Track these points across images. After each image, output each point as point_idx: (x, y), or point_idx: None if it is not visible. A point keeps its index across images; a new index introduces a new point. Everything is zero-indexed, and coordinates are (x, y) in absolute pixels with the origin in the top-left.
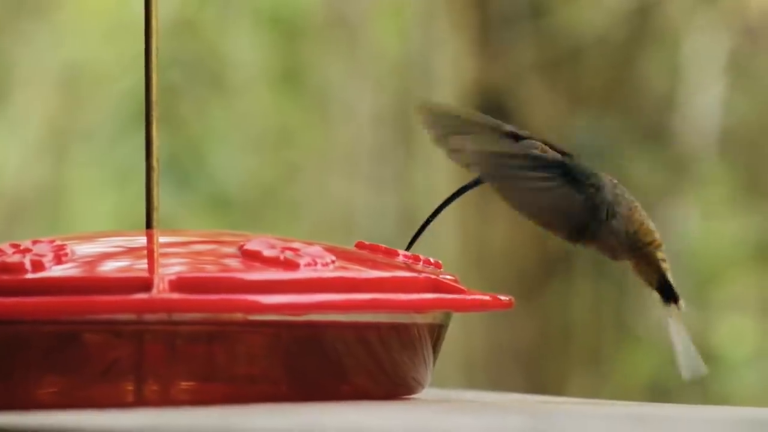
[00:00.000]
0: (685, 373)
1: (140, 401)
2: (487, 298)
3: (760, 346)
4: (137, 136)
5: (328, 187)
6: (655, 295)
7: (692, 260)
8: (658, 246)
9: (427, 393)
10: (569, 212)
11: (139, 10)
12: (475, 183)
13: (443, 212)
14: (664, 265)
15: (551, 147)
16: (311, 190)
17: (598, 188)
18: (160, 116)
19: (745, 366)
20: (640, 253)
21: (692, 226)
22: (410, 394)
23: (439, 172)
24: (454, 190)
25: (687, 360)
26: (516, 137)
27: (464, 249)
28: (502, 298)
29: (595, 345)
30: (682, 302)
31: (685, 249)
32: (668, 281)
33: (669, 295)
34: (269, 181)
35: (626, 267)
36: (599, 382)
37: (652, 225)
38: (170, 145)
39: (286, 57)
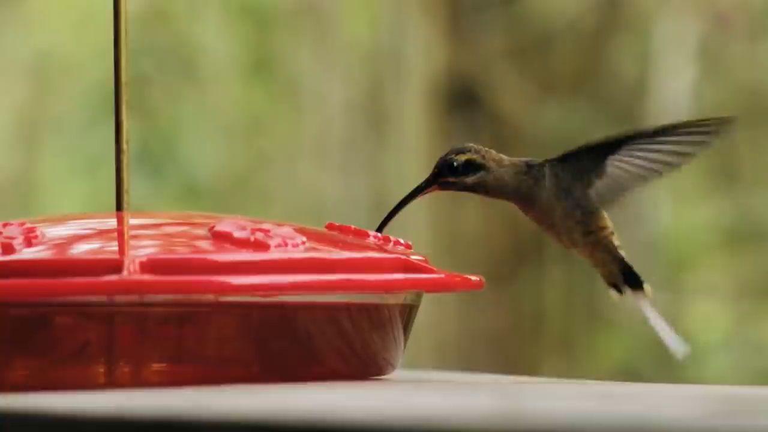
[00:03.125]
0: (678, 353)
1: (112, 382)
2: (456, 278)
3: (732, 331)
4: (107, 126)
5: (299, 176)
6: (615, 290)
7: (664, 246)
8: (611, 233)
9: (398, 374)
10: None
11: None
12: (428, 184)
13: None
14: (621, 252)
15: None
16: (282, 179)
17: (555, 174)
18: (131, 105)
19: (717, 351)
20: (595, 237)
21: (664, 211)
22: (381, 374)
23: (410, 160)
24: (424, 177)
25: (672, 341)
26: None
27: (436, 234)
28: (472, 278)
29: (567, 330)
30: (647, 286)
31: (656, 235)
32: (629, 266)
33: (633, 281)
34: (240, 169)
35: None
36: (571, 366)
37: (604, 212)
38: (141, 135)
39: (256, 46)
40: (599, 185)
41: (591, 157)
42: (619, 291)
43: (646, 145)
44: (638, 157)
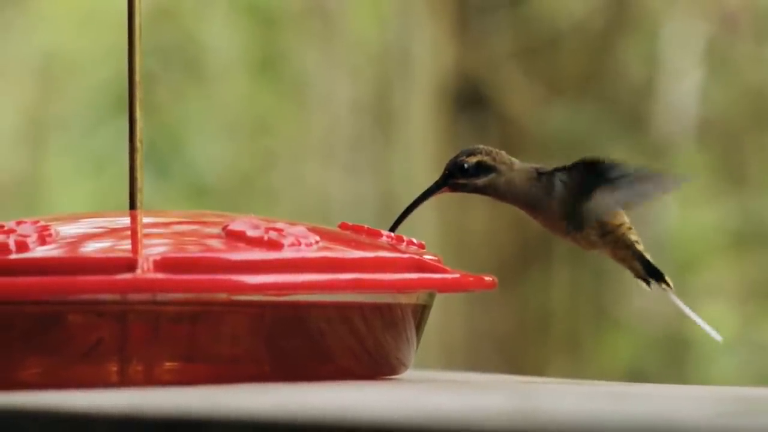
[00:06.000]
0: (716, 335)
1: (124, 381)
2: (470, 278)
3: (739, 333)
4: (114, 125)
5: (305, 175)
6: (644, 282)
7: (670, 247)
8: (629, 229)
9: (409, 374)
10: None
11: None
12: (438, 186)
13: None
14: (639, 247)
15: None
16: (288, 178)
17: (564, 175)
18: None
19: (724, 352)
20: (613, 236)
21: (670, 213)
22: (394, 374)
23: (417, 159)
24: (431, 178)
25: (707, 328)
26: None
27: (443, 236)
28: (486, 278)
29: (573, 331)
30: (668, 278)
31: (663, 236)
32: (649, 261)
33: (654, 273)
34: (246, 168)
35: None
36: (578, 367)
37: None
38: (147, 133)
39: (263, 45)
40: (600, 201)
41: (589, 175)
42: (648, 283)
43: (622, 182)
44: (618, 190)
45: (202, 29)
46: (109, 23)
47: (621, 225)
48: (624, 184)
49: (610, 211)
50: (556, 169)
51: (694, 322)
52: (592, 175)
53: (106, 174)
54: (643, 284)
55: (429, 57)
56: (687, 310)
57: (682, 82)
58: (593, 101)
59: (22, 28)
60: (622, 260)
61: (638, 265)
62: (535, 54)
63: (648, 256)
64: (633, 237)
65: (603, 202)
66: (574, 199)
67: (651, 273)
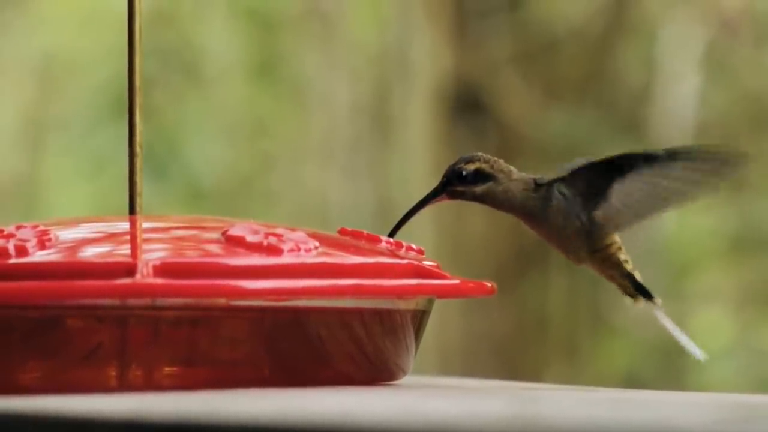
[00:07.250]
0: (699, 355)
1: (124, 386)
2: (469, 284)
3: (736, 338)
4: (113, 126)
5: (304, 178)
6: (636, 297)
7: (668, 252)
8: (619, 249)
9: (407, 379)
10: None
11: (115, 0)
12: (436, 193)
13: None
14: (628, 266)
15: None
16: (287, 181)
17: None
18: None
19: (721, 358)
20: (602, 255)
21: (668, 218)
22: (393, 379)
23: (415, 163)
24: (429, 181)
25: (691, 346)
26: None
27: (440, 241)
28: (486, 284)
29: (570, 337)
30: (657, 299)
31: (660, 241)
32: (637, 281)
33: (642, 293)
34: (245, 171)
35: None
36: (575, 373)
37: None
38: (146, 136)
39: (262, 48)
40: (607, 209)
41: (598, 179)
42: (634, 299)
43: (655, 170)
44: (648, 183)
45: (200, 32)
46: (109, 24)
47: (611, 244)
48: (655, 170)
49: (643, 214)
50: (555, 180)
51: (686, 331)
52: (601, 175)
53: (105, 175)
54: (631, 301)
55: (427, 61)
56: (672, 328)
57: (681, 87)
58: (591, 106)
59: (22, 28)
60: (609, 278)
61: (626, 283)
62: (533, 58)
63: (637, 276)
64: (622, 256)
65: (624, 206)
66: (583, 208)
67: (639, 292)
